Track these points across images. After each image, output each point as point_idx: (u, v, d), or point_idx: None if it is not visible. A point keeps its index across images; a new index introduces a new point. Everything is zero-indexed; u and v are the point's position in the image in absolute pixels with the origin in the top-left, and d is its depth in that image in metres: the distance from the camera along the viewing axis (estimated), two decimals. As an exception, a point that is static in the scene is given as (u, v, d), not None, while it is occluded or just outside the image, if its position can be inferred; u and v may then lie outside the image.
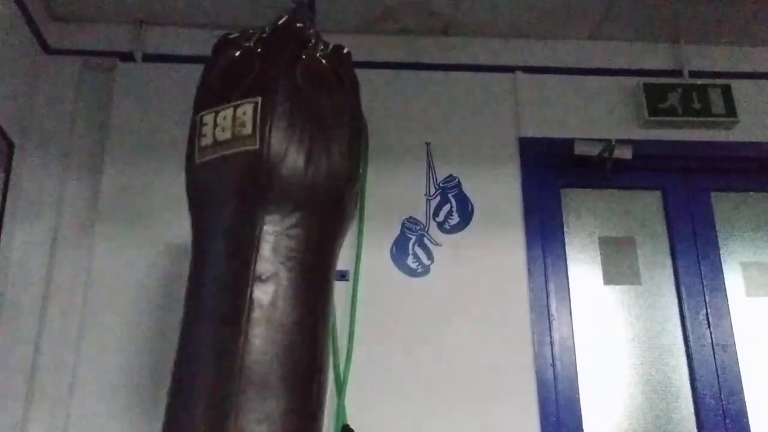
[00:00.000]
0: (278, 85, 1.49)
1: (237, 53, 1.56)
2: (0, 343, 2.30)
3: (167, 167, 2.53)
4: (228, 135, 1.46)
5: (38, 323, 2.32)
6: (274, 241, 1.41)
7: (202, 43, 2.70)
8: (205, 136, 1.50)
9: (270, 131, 1.44)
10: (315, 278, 1.48)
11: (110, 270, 2.41)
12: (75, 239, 2.43)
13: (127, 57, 2.68)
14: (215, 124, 1.48)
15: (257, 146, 1.44)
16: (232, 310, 1.37)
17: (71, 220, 2.45)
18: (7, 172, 2.40)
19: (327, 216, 1.52)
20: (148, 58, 2.69)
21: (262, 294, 1.38)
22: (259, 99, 1.47)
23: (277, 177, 1.44)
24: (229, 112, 1.48)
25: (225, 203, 1.46)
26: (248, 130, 1.45)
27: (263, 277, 1.39)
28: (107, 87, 2.62)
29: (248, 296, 1.37)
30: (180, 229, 2.44)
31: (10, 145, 2.41)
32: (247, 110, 1.46)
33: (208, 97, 1.56)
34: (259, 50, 1.54)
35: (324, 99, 1.53)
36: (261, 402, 1.32)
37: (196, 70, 2.63)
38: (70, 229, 2.44)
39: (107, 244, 2.44)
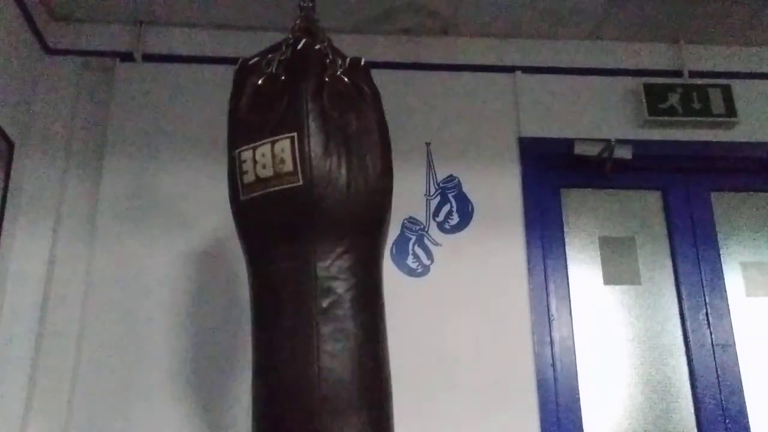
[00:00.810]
0: (309, 117, 1.52)
1: (260, 81, 1.57)
2: (0, 343, 2.30)
3: (167, 167, 2.53)
4: (270, 172, 1.50)
5: (38, 323, 2.32)
6: (328, 271, 1.47)
7: (201, 43, 2.72)
8: (246, 173, 1.53)
9: (311, 166, 1.48)
10: (370, 296, 1.53)
11: (110, 270, 2.41)
12: (75, 239, 2.43)
13: (127, 57, 2.68)
14: (255, 161, 1.52)
15: (300, 182, 1.47)
16: (303, 347, 1.43)
17: (71, 220, 2.45)
18: (7, 172, 2.40)
19: (372, 233, 1.57)
20: (148, 58, 2.69)
21: (328, 324, 1.44)
22: (295, 135, 1.50)
23: (324, 210, 1.49)
24: (266, 148, 1.51)
25: (277, 242, 1.51)
26: (289, 167, 1.48)
27: (325, 306, 1.44)
28: (107, 87, 2.62)
29: (315, 330, 1.43)
30: (180, 228, 2.45)
31: (10, 145, 2.41)
32: (284, 147, 1.49)
33: (242, 132, 1.59)
34: (283, 77, 1.56)
35: (353, 119, 1.57)
36: (344, 424, 1.41)
37: (196, 70, 2.67)
38: (70, 229, 2.44)
39: (107, 244, 2.44)
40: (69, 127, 2.56)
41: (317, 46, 1.61)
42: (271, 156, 1.50)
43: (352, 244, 1.50)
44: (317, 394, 1.40)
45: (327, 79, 1.57)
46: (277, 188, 1.49)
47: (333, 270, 1.47)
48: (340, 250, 1.48)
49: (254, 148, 1.53)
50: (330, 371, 1.41)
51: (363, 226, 1.54)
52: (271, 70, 1.58)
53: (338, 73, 1.59)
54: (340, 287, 1.46)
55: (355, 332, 1.46)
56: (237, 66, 1.64)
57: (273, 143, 1.51)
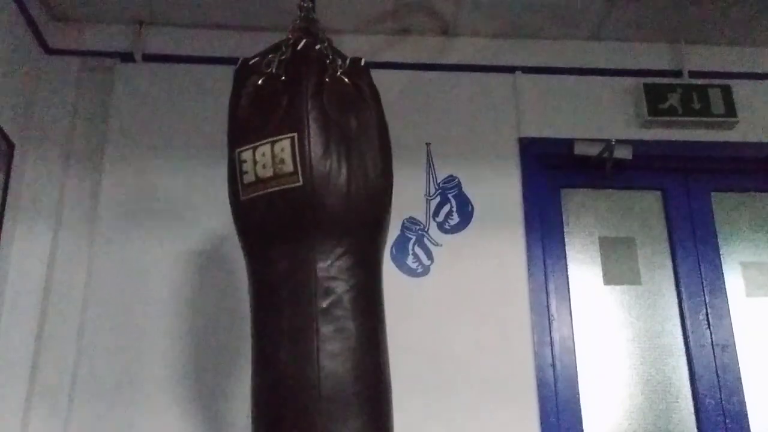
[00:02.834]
0: (309, 117, 1.52)
1: (260, 81, 1.58)
2: (0, 343, 2.30)
3: (167, 167, 2.53)
4: (269, 172, 1.50)
5: (38, 323, 2.32)
6: (328, 271, 1.47)
7: (201, 43, 2.72)
8: (246, 173, 1.53)
9: (311, 166, 1.48)
10: (370, 296, 1.53)
11: (110, 270, 2.41)
12: (75, 239, 2.43)
13: (127, 57, 2.68)
14: (255, 161, 1.52)
15: (300, 183, 1.47)
16: (303, 347, 1.43)
17: (71, 220, 2.45)
18: (7, 172, 2.40)
19: (371, 234, 1.57)
20: (148, 58, 2.69)
21: (327, 325, 1.44)
22: (295, 135, 1.50)
23: (323, 210, 1.49)
24: (266, 148, 1.51)
25: (277, 242, 1.51)
26: (289, 167, 1.48)
27: (325, 306, 1.44)
28: (107, 87, 2.62)
29: (314, 331, 1.43)
30: (180, 228, 2.45)
31: (10, 145, 2.41)
32: (284, 147, 1.49)
33: (242, 132, 1.59)
34: (283, 78, 1.56)
35: (352, 119, 1.57)
36: (343, 424, 1.41)
37: (196, 71, 2.67)
38: (70, 229, 2.44)
39: (107, 243, 2.44)
40: (69, 127, 2.56)
41: (317, 47, 1.61)
42: (271, 156, 1.50)
43: (352, 245, 1.50)
44: (317, 394, 1.39)
45: (327, 80, 1.57)
46: (277, 188, 1.49)
47: (333, 270, 1.47)
48: (340, 250, 1.48)
49: (254, 149, 1.53)
50: (330, 371, 1.41)
51: (363, 227, 1.54)
52: (272, 70, 1.58)
53: (338, 73, 1.59)
54: (340, 287, 1.46)
55: (355, 332, 1.46)
56: (237, 66, 1.64)
57: (273, 143, 1.51)
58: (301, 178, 1.47)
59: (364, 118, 1.59)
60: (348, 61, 1.63)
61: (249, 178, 1.53)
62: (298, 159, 1.48)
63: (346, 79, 1.59)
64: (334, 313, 1.44)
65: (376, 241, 1.59)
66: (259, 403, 1.49)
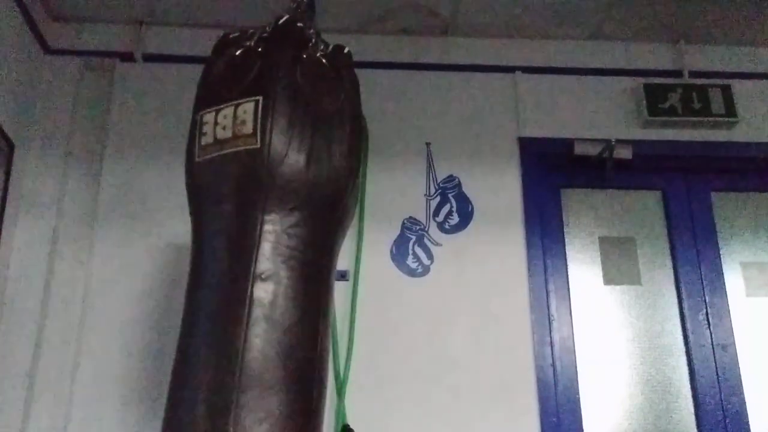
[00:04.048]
0: (279, 84, 1.50)
1: (237, 52, 1.56)
2: (0, 343, 2.30)
3: (167, 167, 2.53)
4: (228, 134, 1.47)
5: (38, 323, 2.32)
6: (274, 240, 1.42)
7: (202, 43, 2.70)
8: (205, 134, 1.50)
9: (271, 130, 1.45)
10: (315, 277, 1.48)
11: (110, 270, 2.41)
12: (75, 239, 2.43)
13: (127, 57, 2.68)
14: (216, 123, 1.49)
15: (258, 145, 1.44)
16: (232, 309, 1.38)
17: (71, 220, 2.45)
18: (7, 172, 2.40)
19: (327, 215, 1.52)
20: (148, 58, 2.69)
21: (263, 293, 1.38)
22: (260, 98, 1.47)
23: (278, 176, 1.45)
24: (230, 110, 1.48)
25: (225, 202, 1.47)
26: (249, 128, 1.45)
27: (263, 275, 1.39)
28: (107, 87, 2.63)
29: (248, 295, 1.37)
30: (180, 228, 2.45)
31: (10, 146, 2.41)
32: (247, 109, 1.46)
33: (209, 96, 1.57)
34: (259, 49, 1.54)
35: (325, 99, 1.54)
36: (261, 401, 1.32)
37: (196, 70, 2.63)
38: (70, 229, 2.44)
39: (107, 243, 2.44)
40: (69, 127, 2.56)
41: (299, 24, 1.59)
42: (233, 117, 1.47)
43: (303, 220, 1.46)
44: (238, 364, 1.33)
45: (304, 57, 1.55)
46: (233, 149, 1.46)
47: (280, 241, 1.42)
48: (289, 221, 1.44)
49: (217, 111, 1.50)
50: (256, 342, 1.35)
51: (318, 204, 1.50)
52: (250, 43, 1.57)
53: (318, 55, 1.57)
54: (284, 259, 1.42)
55: (291, 309, 1.40)
56: (218, 39, 1.64)
57: (237, 106, 1.48)
58: (258, 141, 1.44)
59: (338, 101, 1.56)
60: (331, 47, 1.62)
61: (207, 139, 1.50)
62: (259, 121, 1.45)
63: (325, 61, 1.57)
64: (272, 284, 1.39)
65: (330, 224, 1.54)
66: (178, 366, 1.44)
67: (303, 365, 1.41)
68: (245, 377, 1.32)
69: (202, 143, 1.51)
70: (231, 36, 1.62)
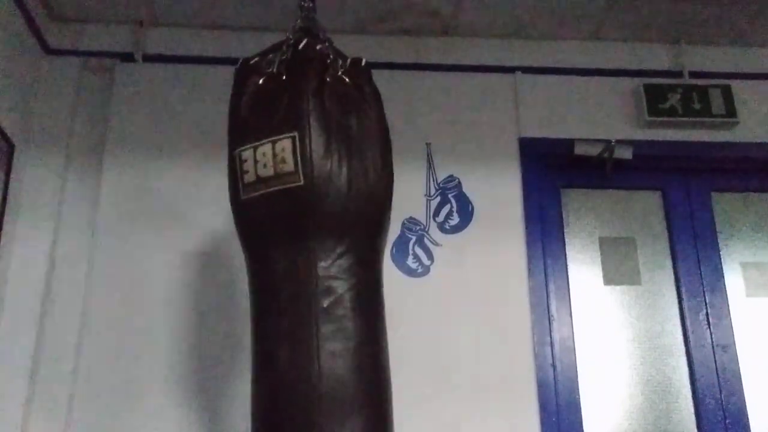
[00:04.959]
0: (311, 117, 1.51)
1: (261, 80, 1.58)
2: (0, 344, 2.30)
3: (167, 167, 2.53)
4: (270, 172, 1.50)
5: (38, 324, 2.32)
6: (328, 271, 1.46)
7: (202, 44, 2.72)
8: (247, 173, 1.53)
9: (312, 165, 1.48)
10: (370, 296, 1.53)
11: (110, 270, 2.41)
12: (75, 239, 2.43)
13: (128, 57, 2.68)
14: (255, 161, 1.52)
15: (301, 182, 1.47)
16: (303, 346, 1.43)
17: (71, 220, 2.45)
18: (7, 172, 2.40)
19: (372, 233, 1.57)
20: (148, 58, 2.69)
21: (328, 324, 1.43)
22: (296, 134, 1.50)
23: (324, 209, 1.49)
24: (267, 148, 1.51)
25: (277, 241, 1.51)
26: (290, 166, 1.48)
27: (325, 306, 1.44)
28: (107, 87, 2.62)
29: (315, 329, 1.43)
30: (180, 228, 2.45)
31: (10, 146, 2.41)
32: (285, 146, 1.49)
33: (243, 131, 1.58)
34: (284, 77, 1.56)
35: (353, 119, 1.57)
36: (342, 424, 1.40)
37: (196, 71, 2.67)
38: (70, 229, 2.44)
39: (107, 244, 2.43)
40: (69, 127, 2.56)
41: (318, 47, 1.61)
42: (272, 155, 1.50)
43: (352, 244, 1.50)
44: (317, 394, 1.39)
45: (328, 80, 1.57)
46: (278, 188, 1.49)
47: (333, 270, 1.47)
48: (340, 249, 1.48)
49: (255, 148, 1.53)
50: (330, 371, 1.41)
51: (363, 226, 1.54)
52: (272, 69, 1.58)
53: (339, 73, 1.59)
54: (341, 287, 1.46)
55: (355, 332, 1.46)
56: (237, 65, 1.64)
57: (274, 143, 1.51)
58: (302, 178, 1.47)
59: (365, 118, 1.59)
60: (349, 62, 1.63)
61: (250, 177, 1.53)
62: (299, 158, 1.48)
63: (347, 79, 1.59)
64: (335, 313, 1.44)
65: (376, 241, 1.58)
66: (259, 403, 1.49)
67: (375, 384, 1.48)
68: (325, 405, 1.39)
69: (246, 181, 1.53)
70: (251, 62, 1.63)
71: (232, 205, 1.60)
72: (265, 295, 1.53)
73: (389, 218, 1.63)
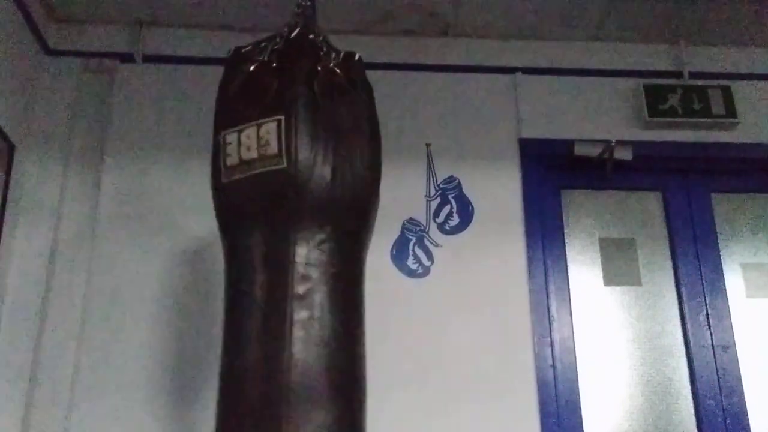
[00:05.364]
0: (299, 102, 1.50)
1: (252, 68, 1.56)
2: (0, 344, 2.30)
3: (167, 168, 2.53)
4: (254, 154, 1.48)
5: (38, 324, 2.32)
6: (307, 257, 1.44)
7: (202, 44, 2.72)
8: (230, 155, 1.51)
9: (296, 149, 1.46)
10: (349, 288, 1.51)
11: (110, 270, 2.41)
12: (75, 240, 2.43)
13: (128, 58, 2.68)
14: (239, 143, 1.50)
15: (284, 165, 1.45)
16: (275, 330, 1.40)
17: (71, 221, 2.45)
18: (8, 172, 2.40)
19: (355, 226, 1.54)
20: (148, 59, 2.69)
21: (302, 311, 1.40)
22: (282, 117, 1.48)
23: (306, 193, 1.46)
24: (252, 130, 1.49)
25: (257, 222, 1.48)
26: (274, 149, 1.46)
27: (301, 293, 1.41)
28: (107, 88, 2.62)
29: (289, 315, 1.39)
30: (180, 228, 2.45)
31: (10, 146, 2.41)
32: (270, 129, 1.47)
33: (229, 115, 1.57)
34: (274, 65, 1.55)
35: (343, 110, 1.55)
36: (309, 415, 1.36)
37: (196, 71, 2.67)
38: (70, 229, 2.44)
39: (107, 244, 2.44)
40: (69, 128, 2.56)
41: (311, 36, 1.60)
42: (257, 138, 1.48)
43: (333, 233, 1.47)
44: (285, 382, 1.35)
45: (319, 68, 1.55)
46: (260, 170, 1.47)
47: (312, 257, 1.44)
48: (320, 237, 1.45)
49: (240, 131, 1.50)
50: (300, 359, 1.37)
51: (346, 217, 1.52)
52: (264, 57, 1.57)
53: (331, 65, 1.57)
54: (318, 275, 1.43)
55: (330, 322, 1.42)
56: (230, 53, 1.64)
57: (259, 126, 1.48)
58: (285, 160, 1.45)
59: (355, 110, 1.58)
60: (342, 55, 1.62)
61: (232, 160, 1.50)
62: (283, 141, 1.46)
63: (339, 71, 1.57)
64: (310, 301, 1.41)
65: (358, 234, 1.55)
66: (225, 385, 1.45)
67: (347, 376, 1.44)
68: (293, 394, 1.35)
69: (228, 164, 1.52)
70: (243, 50, 1.62)
71: (212, 188, 1.57)
72: (240, 277, 1.49)
73: (375, 213, 1.60)
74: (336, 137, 1.51)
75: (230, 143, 1.52)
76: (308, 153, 1.47)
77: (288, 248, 1.43)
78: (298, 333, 1.38)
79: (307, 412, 1.35)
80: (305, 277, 1.42)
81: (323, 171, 1.47)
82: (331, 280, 1.45)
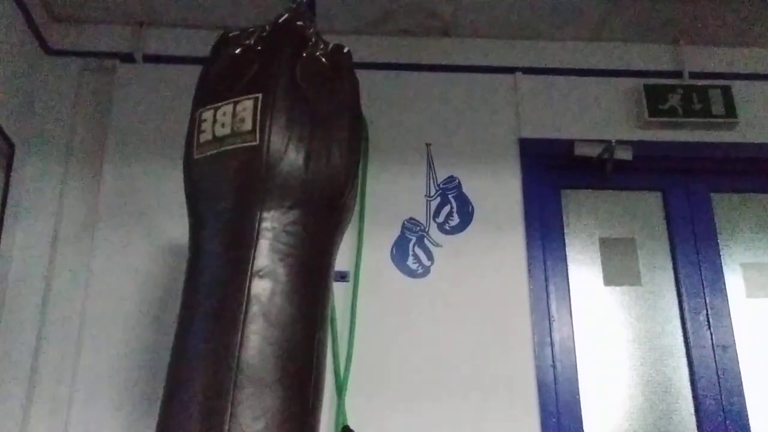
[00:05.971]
0: (278, 82, 1.49)
1: (237, 51, 1.56)
2: (0, 343, 2.30)
3: (167, 167, 2.53)
4: (227, 131, 1.46)
5: (38, 324, 2.32)
6: (272, 237, 1.41)
7: (202, 43, 2.70)
8: (204, 132, 1.49)
9: (270, 127, 1.44)
10: (313, 275, 1.47)
11: (110, 270, 2.41)
12: (75, 239, 2.43)
13: (128, 58, 2.68)
14: (215, 120, 1.48)
15: (257, 142, 1.43)
16: (229, 307, 1.37)
17: (71, 220, 2.45)
18: (8, 172, 2.40)
19: (326, 214, 1.52)
20: (149, 59, 2.69)
21: (260, 290, 1.37)
22: (260, 95, 1.46)
23: (277, 173, 1.44)
24: (228, 108, 1.47)
25: (223, 199, 1.46)
26: (248, 126, 1.44)
27: (261, 273, 1.38)
28: (107, 88, 2.63)
29: (246, 293, 1.36)
30: (180, 229, 2.44)
31: (10, 146, 2.41)
32: (246, 106, 1.46)
33: (208, 94, 1.56)
34: (259, 48, 1.54)
35: (324, 98, 1.53)
36: (258, 398, 1.31)
37: (197, 71, 2.62)
38: (70, 229, 2.44)
39: (107, 244, 2.44)
40: (69, 128, 2.56)
41: (299, 23, 1.59)
42: (232, 115, 1.46)
43: (300, 218, 1.44)
44: (234, 363, 1.32)
45: (304, 55, 1.54)
46: (232, 146, 1.45)
47: (278, 238, 1.41)
48: (287, 220, 1.43)
49: (216, 108, 1.49)
50: (254, 341, 1.33)
51: (316, 203, 1.49)
52: (249, 42, 1.56)
53: (317, 54, 1.56)
54: (281, 258, 1.40)
55: (288, 306, 1.39)
56: (217, 38, 1.64)
57: (236, 103, 1.47)
58: (257, 138, 1.43)
59: (337, 100, 1.56)
60: (331, 47, 1.62)
61: (206, 136, 1.49)
62: (258, 118, 1.44)
63: (324, 60, 1.56)
64: (270, 282, 1.38)
65: (328, 223, 1.53)
66: (174, 362, 1.43)
67: (301, 363, 1.39)
68: (242, 375, 1.31)
69: (201, 140, 1.50)
70: (231, 35, 1.62)
71: (184, 166, 1.55)
72: (202, 251, 1.46)
73: (349, 204, 1.58)
74: (314, 123, 1.49)
75: (205, 120, 1.50)
76: (283, 134, 1.44)
77: (252, 226, 1.40)
78: (253, 311, 1.35)
79: (256, 397, 1.31)
80: (268, 257, 1.39)
81: (296, 154, 1.45)
82: (296, 264, 1.41)
